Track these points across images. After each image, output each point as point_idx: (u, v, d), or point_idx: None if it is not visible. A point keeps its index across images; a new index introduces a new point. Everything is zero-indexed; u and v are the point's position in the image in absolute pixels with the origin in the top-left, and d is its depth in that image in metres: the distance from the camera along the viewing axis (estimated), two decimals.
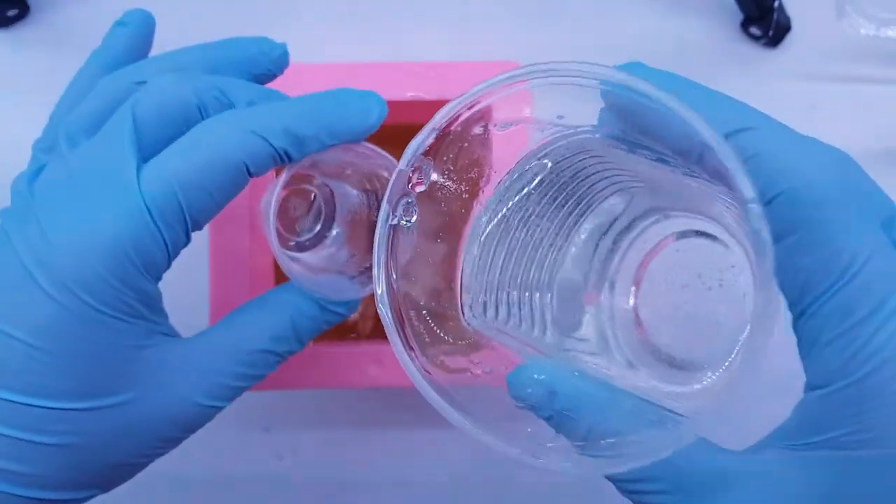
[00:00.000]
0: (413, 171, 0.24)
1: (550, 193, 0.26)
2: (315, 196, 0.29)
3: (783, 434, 0.22)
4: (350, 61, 0.35)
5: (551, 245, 0.27)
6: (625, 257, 0.28)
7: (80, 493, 0.25)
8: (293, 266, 0.27)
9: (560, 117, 0.24)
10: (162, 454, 0.27)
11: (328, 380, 0.33)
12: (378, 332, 0.37)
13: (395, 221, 0.24)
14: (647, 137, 0.21)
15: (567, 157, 0.25)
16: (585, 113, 0.23)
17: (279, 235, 0.28)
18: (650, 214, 0.28)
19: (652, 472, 0.21)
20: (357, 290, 0.28)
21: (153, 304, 0.25)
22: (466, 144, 0.24)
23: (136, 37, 0.29)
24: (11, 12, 0.41)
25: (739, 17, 0.42)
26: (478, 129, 0.24)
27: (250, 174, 0.25)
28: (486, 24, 0.43)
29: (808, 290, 0.20)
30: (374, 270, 0.23)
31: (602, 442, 0.21)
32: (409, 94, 0.34)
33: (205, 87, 0.25)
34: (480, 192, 0.25)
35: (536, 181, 0.25)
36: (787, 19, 0.42)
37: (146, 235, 0.23)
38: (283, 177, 0.26)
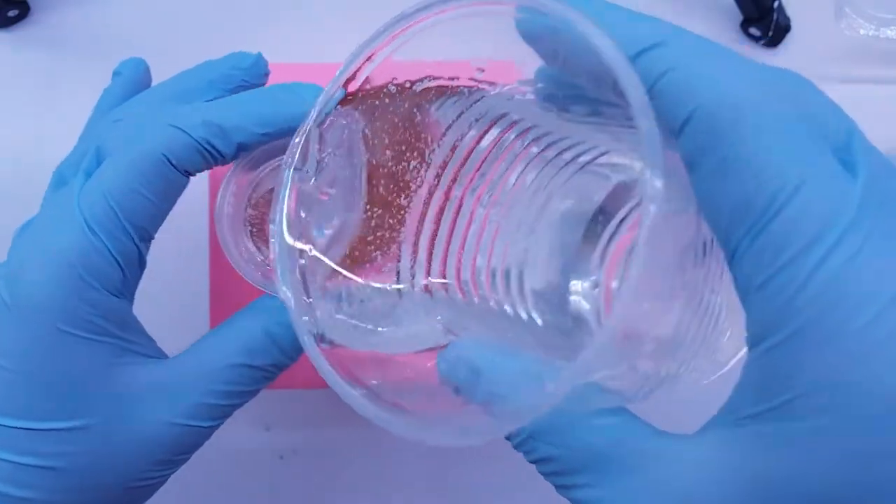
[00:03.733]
0: (324, 126, 0.22)
1: (505, 167, 0.24)
2: None
3: (731, 407, 0.18)
4: None
5: (518, 228, 0.25)
6: (610, 245, 0.27)
7: None
8: (256, 275, 0.27)
9: (480, 71, 0.22)
10: (163, 476, 0.26)
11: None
12: None
13: (300, 182, 0.22)
14: (570, 73, 0.19)
15: (511, 125, 0.23)
16: (506, 57, 0.21)
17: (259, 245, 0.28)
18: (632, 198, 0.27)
19: (570, 459, 0.19)
20: None
21: (122, 322, 0.25)
22: (382, 106, 0.22)
23: (130, 83, 0.30)
24: (12, 13, 0.41)
25: (739, 17, 0.42)
26: (391, 88, 0.22)
27: (178, 169, 0.25)
28: (486, 24, 0.43)
29: (736, 225, 0.17)
30: (273, 243, 0.22)
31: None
32: None
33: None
34: (413, 163, 0.24)
35: (486, 152, 0.24)
36: (787, 20, 0.42)
37: (89, 248, 0.24)
38: (229, 176, 0.26)
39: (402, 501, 0.39)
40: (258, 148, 0.27)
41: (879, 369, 0.15)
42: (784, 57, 0.42)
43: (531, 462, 0.20)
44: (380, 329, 0.23)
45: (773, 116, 0.17)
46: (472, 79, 0.22)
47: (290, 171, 0.22)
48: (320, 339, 0.20)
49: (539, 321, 0.25)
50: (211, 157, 0.25)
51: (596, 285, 0.26)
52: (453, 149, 0.24)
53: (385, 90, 0.22)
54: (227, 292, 0.34)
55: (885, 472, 0.15)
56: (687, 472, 0.18)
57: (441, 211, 0.24)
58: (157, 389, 0.25)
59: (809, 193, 0.16)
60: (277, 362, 0.26)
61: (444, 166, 0.24)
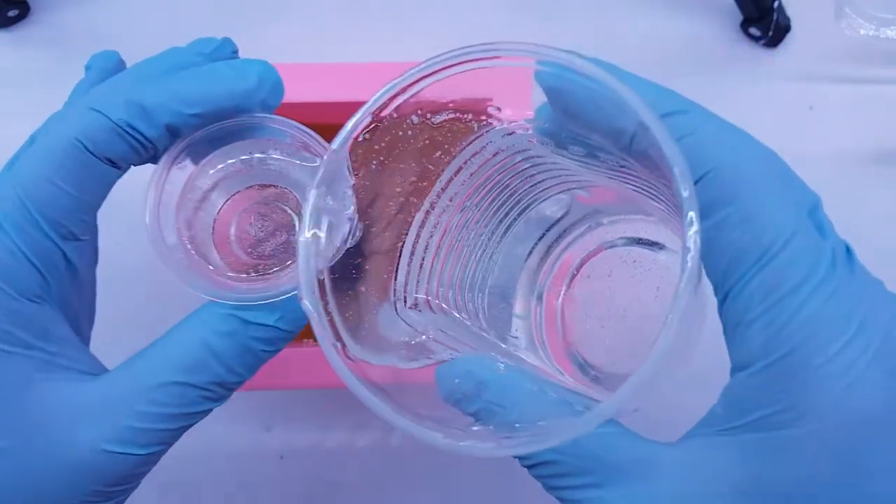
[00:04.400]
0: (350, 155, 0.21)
1: (486, 195, 0.25)
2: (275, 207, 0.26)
3: (711, 420, 0.21)
4: (349, 61, 0.35)
5: (484, 250, 0.27)
6: (554, 268, 0.28)
7: None
8: (203, 282, 0.23)
9: (497, 109, 0.23)
10: None
11: (328, 380, 0.33)
12: None
13: (328, 208, 0.21)
14: (579, 124, 0.21)
15: (503, 158, 0.25)
16: (521, 103, 0.22)
17: (233, 260, 0.25)
18: (584, 221, 0.28)
19: (572, 464, 0.20)
20: (276, 287, 0.24)
21: (43, 332, 0.22)
22: (401, 134, 0.22)
23: (102, 76, 0.26)
24: (12, 13, 0.41)
25: (739, 17, 0.42)
26: (414, 119, 0.22)
27: (97, 156, 0.22)
28: (486, 23, 0.43)
29: (734, 269, 0.19)
30: (301, 262, 0.20)
31: (524, 432, 0.20)
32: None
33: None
34: (414, 188, 0.24)
35: (472, 181, 0.25)
36: (787, 20, 0.42)
37: None
38: (160, 166, 0.23)
39: (402, 501, 0.39)
40: (198, 133, 0.23)
41: (836, 392, 0.18)
42: (784, 57, 0.42)
43: (527, 466, 0.21)
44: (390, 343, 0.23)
45: (765, 181, 0.20)
46: (485, 115, 0.23)
47: (315, 191, 0.21)
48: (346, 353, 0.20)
49: (492, 336, 0.26)
50: (135, 140, 0.22)
51: (540, 298, 0.27)
52: (450, 175, 0.25)
53: (407, 121, 0.22)
54: None
55: (841, 472, 0.19)
56: (679, 476, 0.20)
57: (420, 228, 0.25)
58: (83, 410, 0.22)
59: (797, 246, 0.19)
60: (219, 379, 0.23)
61: (439, 193, 0.25)
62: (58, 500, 0.22)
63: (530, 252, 0.28)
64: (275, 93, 0.24)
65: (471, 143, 0.24)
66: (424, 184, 0.24)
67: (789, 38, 0.42)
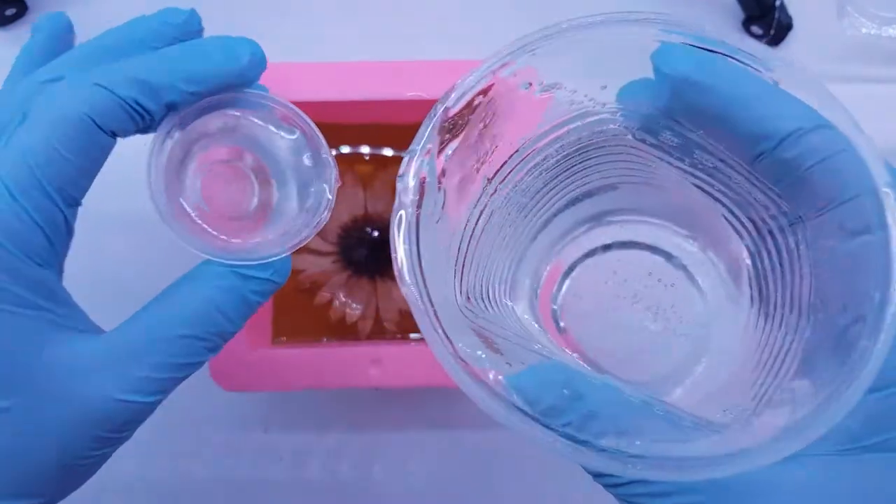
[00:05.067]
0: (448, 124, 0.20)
1: (539, 186, 0.24)
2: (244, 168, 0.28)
3: (834, 440, 0.20)
4: (349, 60, 0.35)
5: (516, 244, 0.26)
6: (549, 263, 0.27)
7: (19, 501, 0.24)
8: (211, 245, 0.25)
9: (603, 87, 0.21)
10: (103, 454, 0.25)
11: (327, 380, 0.33)
12: (377, 333, 0.37)
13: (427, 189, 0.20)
14: (701, 118, 0.20)
15: (569, 150, 0.23)
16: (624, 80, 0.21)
17: (214, 221, 0.26)
18: (588, 221, 0.27)
19: (684, 484, 0.19)
20: (271, 246, 0.26)
21: (50, 294, 0.24)
22: (501, 102, 0.21)
23: (51, 40, 0.27)
24: (9, 11, 0.41)
25: (741, 15, 0.42)
26: (522, 88, 0.21)
27: (104, 129, 0.23)
28: (487, 22, 0.43)
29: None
30: (400, 249, 0.19)
31: (631, 445, 0.18)
32: (408, 94, 0.34)
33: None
34: (481, 170, 0.23)
35: (529, 171, 0.24)
36: (789, 18, 0.42)
37: (9, 213, 0.22)
38: (158, 136, 0.25)
39: (402, 502, 0.39)
40: (191, 107, 0.25)
41: None
42: (786, 55, 0.42)
43: (612, 485, 0.20)
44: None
45: None
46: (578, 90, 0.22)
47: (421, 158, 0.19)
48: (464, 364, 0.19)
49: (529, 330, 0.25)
50: (139, 115, 0.24)
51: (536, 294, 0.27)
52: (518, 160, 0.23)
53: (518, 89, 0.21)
54: None
55: None
56: (801, 496, 0.19)
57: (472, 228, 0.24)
58: (97, 364, 0.23)
59: None
60: (221, 330, 0.25)
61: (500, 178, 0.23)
62: (67, 449, 0.23)
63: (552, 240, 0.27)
64: (259, 68, 0.25)
65: (560, 120, 0.22)
66: (485, 167, 0.23)
67: (791, 36, 0.42)
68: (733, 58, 0.19)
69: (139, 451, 0.39)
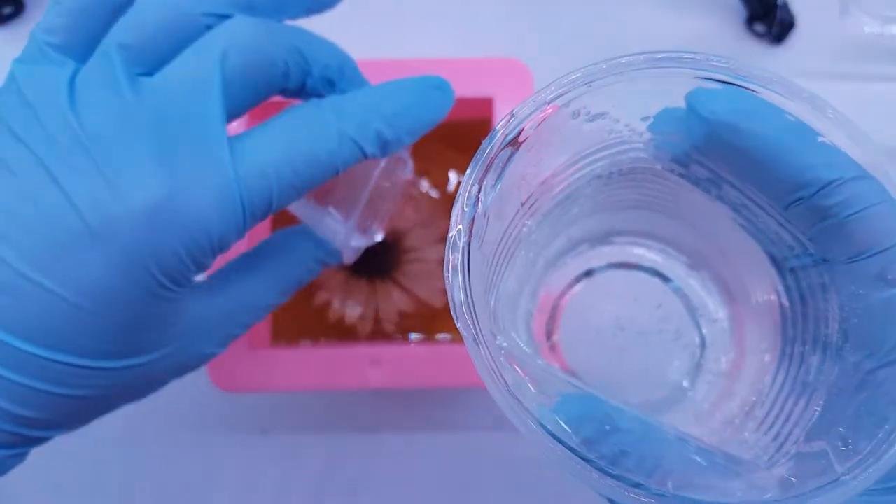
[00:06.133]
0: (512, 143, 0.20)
1: (560, 210, 0.25)
2: None
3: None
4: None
5: (525, 264, 0.26)
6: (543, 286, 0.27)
7: (62, 432, 0.24)
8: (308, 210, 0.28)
9: (644, 119, 0.21)
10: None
11: (326, 381, 0.33)
12: (377, 334, 0.37)
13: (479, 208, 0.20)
14: (724, 156, 0.20)
15: (598, 174, 0.23)
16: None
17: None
18: (589, 240, 0.27)
19: None
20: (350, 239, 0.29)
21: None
22: (548, 130, 0.21)
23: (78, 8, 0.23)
24: (7, 10, 0.41)
25: (743, 14, 0.42)
26: (572, 118, 0.21)
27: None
28: (489, 21, 0.42)
29: None
30: (458, 292, 0.19)
31: (668, 482, 0.18)
32: None
33: (289, 48, 0.23)
34: (518, 194, 0.23)
35: (556, 195, 0.24)
36: (792, 17, 0.41)
37: (232, 226, 0.22)
38: None
39: (402, 501, 0.38)
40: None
41: None
42: (788, 54, 0.42)
43: None
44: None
45: None
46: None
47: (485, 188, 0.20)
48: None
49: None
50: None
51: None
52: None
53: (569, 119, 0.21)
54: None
55: None
56: None
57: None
58: (205, 323, 0.25)
59: None
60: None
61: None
62: (151, 391, 0.25)
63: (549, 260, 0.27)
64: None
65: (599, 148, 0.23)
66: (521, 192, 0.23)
67: (794, 34, 0.42)
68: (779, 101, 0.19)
69: (138, 452, 0.38)
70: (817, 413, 0.20)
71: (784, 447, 0.21)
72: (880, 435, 0.17)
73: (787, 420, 0.21)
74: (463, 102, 0.33)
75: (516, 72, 0.34)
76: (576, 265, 0.27)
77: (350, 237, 0.28)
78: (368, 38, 0.42)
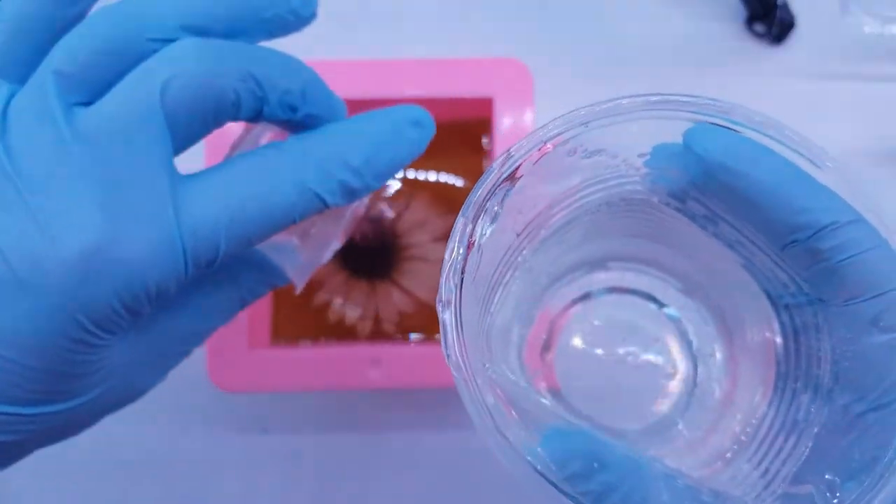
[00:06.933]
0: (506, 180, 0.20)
1: (555, 239, 0.25)
2: None
3: None
4: (350, 59, 0.35)
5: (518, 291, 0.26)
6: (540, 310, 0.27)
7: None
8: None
9: (641, 155, 0.22)
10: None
11: (326, 381, 0.33)
12: (377, 334, 0.37)
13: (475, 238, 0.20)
14: (720, 195, 0.20)
15: (593, 207, 0.24)
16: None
17: None
18: (583, 266, 0.27)
19: None
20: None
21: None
22: (543, 166, 0.21)
23: None
24: None
25: (743, 14, 0.42)
26: (567, 156, 0.21)
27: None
28: (487, 21, 0.42)
29: None
30: (451, 333, 0.19)
31: None
32: (407, 93, 0.33)
33: (241, 75, 0.20)
34: (512, 227, 0.23)
35: (551, 225, 0.24)
36: (792, 16, 0.41)
37: (172, 277, 0.20)
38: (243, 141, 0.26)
39: (401, 502, 0.38)
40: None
41: None
42: (788, 54, 0.42)
43: None
44: None
45: None
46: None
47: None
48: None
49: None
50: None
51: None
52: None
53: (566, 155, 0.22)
54: None
55: None
56: None
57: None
58: (140, 359, 0.23)
59: None
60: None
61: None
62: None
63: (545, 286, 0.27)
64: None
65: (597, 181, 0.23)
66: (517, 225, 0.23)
67: (794, 34, 0.42)
68: (781, 144, 0.20)
69: (138, 452, 0.38)
70: (806, 452, 0.20)
71: (772, 485, 0.21)
72: (867, 483, 0.17)
73: (776, 456, 0.21)
74: (463, 102, 0.33)
75: (516, 72, 0.34)
76: (573, 288, 0.27)
77: (307, 270, 0.27)
78: (368, 38, 0.42)
